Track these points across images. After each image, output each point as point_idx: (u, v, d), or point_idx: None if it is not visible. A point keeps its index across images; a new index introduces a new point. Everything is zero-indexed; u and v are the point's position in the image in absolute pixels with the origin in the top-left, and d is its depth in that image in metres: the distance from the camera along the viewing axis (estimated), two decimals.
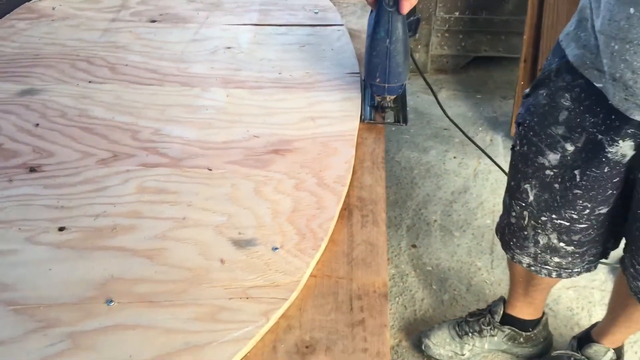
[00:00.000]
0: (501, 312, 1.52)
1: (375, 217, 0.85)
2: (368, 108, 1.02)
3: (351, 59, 1.13)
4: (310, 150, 0.93)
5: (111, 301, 0.72)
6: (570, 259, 1.20)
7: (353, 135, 0.96)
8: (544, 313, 1.54)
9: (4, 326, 0.69)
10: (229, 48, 1.17)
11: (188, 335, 0.68)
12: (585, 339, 1.47)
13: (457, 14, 2.50)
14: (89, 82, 1.08)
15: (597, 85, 0.96)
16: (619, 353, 1.46)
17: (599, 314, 1.69)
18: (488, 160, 2.07)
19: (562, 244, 1.17)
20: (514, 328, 1.51)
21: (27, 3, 1.33)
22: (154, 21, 1.25)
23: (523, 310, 1.50)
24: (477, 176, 2.17)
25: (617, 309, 1.37)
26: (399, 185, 2.12)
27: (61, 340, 0.68)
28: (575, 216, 1.11)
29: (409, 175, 2.17)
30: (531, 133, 1.10)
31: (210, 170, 0.90)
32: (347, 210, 0.86)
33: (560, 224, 1.14)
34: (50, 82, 1.08)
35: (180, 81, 1.08)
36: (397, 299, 1.75)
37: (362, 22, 1.25)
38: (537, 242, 1.20)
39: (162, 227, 0.81)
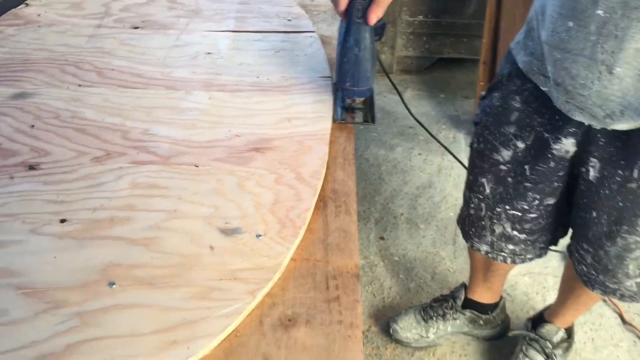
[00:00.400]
0: (463, 297, 1.64)
1: (348, 207, 0.95)
2: (339, 109, 1.12)
3: (323, 63, 1.23)
4: (288, 148, 1.02)
5: (113, 284, 0.80)
6: (523, 246, 1.32)
7: (326, 135, 1.05)
8: (501, 297, 1.67)
9: (16, 308, 0.77)
10: (209, 53, 1.25)
11: (183, 312, 0.77)
12: (539, 320, 1.60)
13: (421, 17, 2.62)
14: (79, 85, 1.15)
15: (543, 89, 1.08)
16: (569, 332, 1.59)
17: (552, 298, 1.82)
18: (451, 156, 2.19)
19: (515, 233, 1.29)
20: (474, 311, 1.63)
21: (13, 10, 1.39)
22: (136, 27, 1.33)
23: (483, 295, 1.63)
24: (441, 172, 2.29)
25: (566, 292, 1.50)
26: (367, 181, 2.23)
27: (69, 319, 0.76)
28: (526, 207, 1.23)
29: (377, 171, 2.28)
30: (487, 132, 1.22)
31: (197, 166, 0.98)
32: (322, 202, 0.95)
33: (514, 214, 1.25)
34: (41, 85, 1.15)
35: (165, 85, 1.16)
36: (367, 287, 1.86)
37: (332, 29, 1.35)
38: (493, 231, 1.31)
39: (155, 219, 0.89)
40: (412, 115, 2.01)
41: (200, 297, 0.79)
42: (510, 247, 1.33)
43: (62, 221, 0.89)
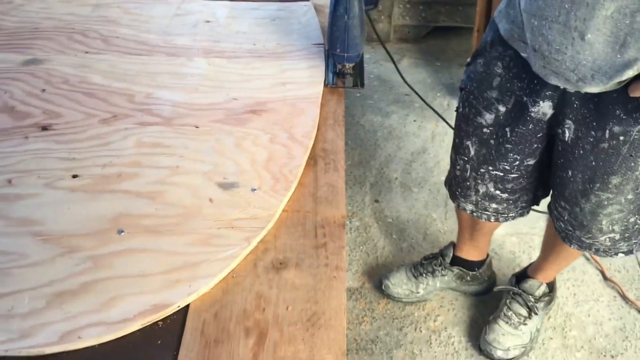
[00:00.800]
0: (451, 254, 1.73)
1: (336, 164, 1.03)
2: (331, 74, 1.19)
3: (316, 31, 1.29)
4: (282, 111, 1.09)
5: (122, 231, 0.89)
6: (505, 204, 1.40)
7: (318, 98, 1.13)
8: (487, 255, 1.76)
9: (36, 252, 0.86)
10: (208, 22, 1.32)
11: (186, 256, 0.86)
12: (522, 275, 1.69)
13: None
14: (86, 52, 1.22)
15: (523, 55, 1.15)
16: (550, 287, 1.69)
17: (536, 255, 1.91)
18: (445, 123, 2.27)
19: (498, 192, 1.37)
20: (461, 268, 1.73)
21: None
22: None
23: (470, 253, 1.71)
24: (435, 138, 2.36)
25: (547, 249, 1.59)
26: (363, 146, 2.31)
27: (84, 262, 0.85)
28: (507, 167, 1.31)
29: (373, 137, 2.35)
30: (471, 97, 1.29)
31: (198, 127, 1.06)
32: (312, 160, 1.03)
33: (496, 174, 1.33)
34: (50, 52, 1.22)
35: (167, 52, 1.24)
36: (361, 247, 1.95)
37: None
38: (477, 191, 1.39)
39: (160, 174, 0.98)
40: (407, 83, 2.09)
41: (200, 243, 0.88)
42: (494, 206, 1.41)
43: (74, 176, 0.97)
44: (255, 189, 0.96)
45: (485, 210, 1.43)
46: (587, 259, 1.92)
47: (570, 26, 0.99)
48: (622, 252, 1.31)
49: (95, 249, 0.87)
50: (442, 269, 1.74)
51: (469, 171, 1.38)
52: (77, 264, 0.85)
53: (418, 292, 1.75)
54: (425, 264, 1.76)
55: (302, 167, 1.00)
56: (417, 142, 2.34)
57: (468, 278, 1.74)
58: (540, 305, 1.67)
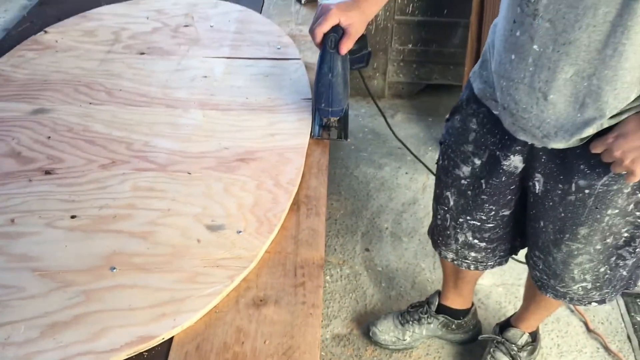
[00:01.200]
0: (436, 302, 1.78)
1: (318, 210, 1.10)
2: (316, 127, 1.28)
3: (306, 87, 1.39)
4: (270, 159, 1.17)
5: (114, 268, 0.96)
6: (484, 253, 1.46)
7: (304, 148, 1.21)
8: (472, 304, 1.81)
9: (32, 286, 0.92)
10: (205, 77, 1.42)
11: (173, 292, 0.92)
12: (506, 324, 1.74)
13: (410, 46, 2.79)
14: (90, 103, 1.32)
15: (495, 112, 1.23)
16: (533, 336, 1.72)
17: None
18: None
19: (476, 241, 1.43)
20: (447, 316, 1.77)
21: (33, 36, 1.56)
22: (142, 53, 1.50)
23: (454, 301, 1.76)
24: (426, 190, 2.44)
25: (528, 299, 1.64)
26: (356, 197, 2.38)
27: (77, 295, 0.91)
28: (484, 217, 1.37)
29: (365, 188, 2.43)
30: (449, 150, 1.37)
31: (190, 173, 1.14)
32: (296, 205, 1.11)
33: (474, 224, 1.40)
34: (57, 103, 1.31)
35: (165, 104, 1.33)
36: (351, 294, 2.00)
37: (316, 56, 1.50)
38: (457, 240, 1.46)
39: (152, 216, 1.05)
40: (397, 138, 2.16)
41: (187, 280, 0.94)
42: (473, 254, 1.47)
43: (73, 217, 1.05)
44: (240, 231, 1.02)
45: (465, 259, 1.49)
46: (571, 310, 1.96)
47: (534, 87, 1.08)
48: (595, 301, 1.36)
49: (88, 284, 0.93)
50: (428, 317, 1.78)
51: (448, 220, 1.45)
52: (70, 298, 0.91)
53: (405, 340, 1.79)
54: (411, 312, 1.81)
55: (285, 211, 1.07)
56: (408, 193, 2.41)
57: (453, 326, 1.78)
58: (523, 354, 1.71)
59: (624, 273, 1.29)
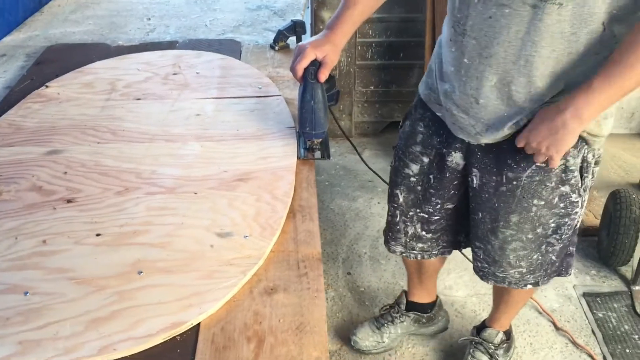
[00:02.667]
0: (405, 301, 1.95)
1: (311, 216, 1.27)
2: (302, 149, 1.45)
3: (288, 118, 1.57)
4: (264, 178, 1.34)
5: (141, 272, 1.10)
6: (429, 244, 1.66)
7: (293, 167, 1.38)
8: (437, 296, 1.98)
9: (72, 291, 1.05)
10: (198, 115, 1.59)
11: (195, 287, 1.07)
12: (481, 326, 1.90)
13: (372, 87, 3.03)
14: (98, 142, 1.47)
15: (438, 114, 1.44)
16: (507, 334, 1.89)
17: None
18: None
19: (423, 232, 1.63)
20: (417, 312, 1.94)
21: (36, 90, 1.72)
22: (139, 99, 1.66)
23: (421, 296, 1.93)
24: None
25: (497, 298, 1.82)
26: (334, 227, 2.55)
27: (111, 295, 1.05)
28: (431, 210, 1.57)
29: (342, 219, 2.60)
30: (400, 152, 1.57)
31: (196, 193, 1.29)
32: (292, 213, 1.27)
33: (422, 216, 1.59)
34: (68, 144, 1.46)
35: (165, 139, 1.49)
36: (338, 314, 2.14)
37: (293, 92, 1.70)
38: (407, 233, 1.66)
39: (167, 229, 1.20)
40: (371, 169, 2.37)
41: (206, 277, 1.09)
42: (420, 245, 1.67)
43: (98, 235, 1.19)
44: (247, 236, 1.18)
45: (412, 250, 1.69)
46: (540, 312, 2.14)
47: (467, 94, 1.29)
48: (530, 284, 1.55)
49: (119, 286, 1.07)
50: (400, 316, 1.95)
51: (399, 216, 1.64)
52: (105, 298, 1.04)
53: (384, 342, 1.94)
54: (385, 315, 1.97)
55: (283, 218, 1.23)
56: (382, 221, 2.58)
57: (424, 320, 1.95)
58: (500, 352, 1.87)
59: (554, 258, 1.49)
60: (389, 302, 2.04)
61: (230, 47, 2.05)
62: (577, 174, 1.34)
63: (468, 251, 2.10)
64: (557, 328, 2.07)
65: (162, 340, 0.98)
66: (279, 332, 1.00)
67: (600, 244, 2.35)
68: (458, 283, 2.25)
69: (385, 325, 1.95)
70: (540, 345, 2.01)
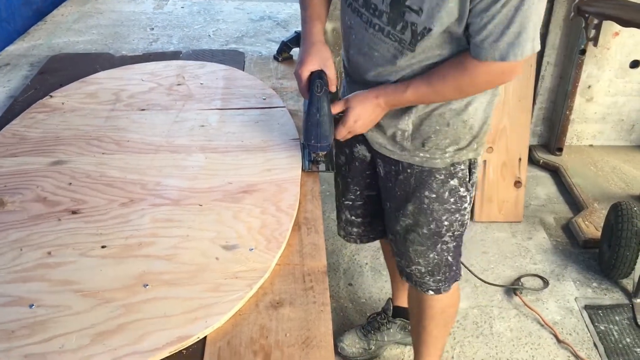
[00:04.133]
0: (391, 307, 1.97)
1: (316, 228, 1.27)
2: (306, 162, 1.45)
3: (292, 129, 1.57)
4: (269, 190, 1.34)
5: (147, 285, 1.09)
6: (363, 227, 1.74)
7: (298, 179, 1.38)
8: None
9: (77, 304, 1.05)
10: (202, 126, 1.59)
11: (201, 300, 1.06)
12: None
13: None
14: (102, 153, 1.47)
15: None
16: None
17: (497, 325, 2.12)
18: None
19: (353, 217, 1.72)
20: (403, 319, 1.95)
21: (40, 100, 1.72)
22: (143, 110, 1.67)
23: (405, 300, 1.94)
24: None
25: (414, 336, 1.81)
26: (335, 237, 2.54)
27: (118, 309, 1.04)
28: (352, 197, 1.68)
29: None
30: (336, 144, 1.61)
31: (201, 205, 1.29)
32: (297, 226, 1.27)
33: (347, 204, 1.70)
34: (72, 155, 1.46)
35: (170, 150, 1.49)
36: (339, 326, 2.13)
37: (298, 104, 1.71)
38: (342, 218, 1.75)
39: (173, 242, 1.20)
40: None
41: (212, 290, 1.08)
42: (355, 229, 1.75)
43: (103, 247, 1.18)
44: (252, 249, 1.18)
45: (350, 235, 1.77)
46: (541, 325, 2.14)
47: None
48: (432, 290, 1.58)
49: (125, 299, 1.07)
50: (386, 323, 1.97)
51: (337, 202, 1.75)
52: (112, 311, 1.04)
53: (370, 348, 1.96)
54: (371, 322, 1.99)
55: (289, 231, 1.23)
56: None
57: (409, 328, 1.95)
58: None
59: (450, 259, 1.54)
60: (375, 311, 2.06)
61: (233, 58, 2.06)
62: (464, 167, 1.44)
63: (466, 260, 2.11)
64: (559, 341, 2.07)
65: (169, 354, 0.98)
66: (285, 346, 1.00)
67: (601, 257, 2.36)
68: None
69: (372, 332, 1.97)
70: (542, 358, 2.01)
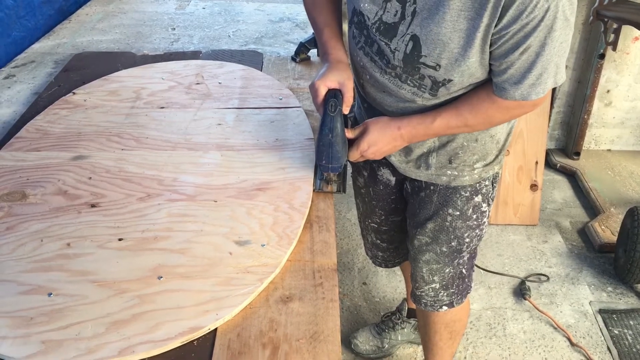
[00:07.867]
0: (406, 307, 1.98)
1: (328, 227, 1.29)
2: (318, 181, 1.41)
3: (307, 129, 1.60)
4: (283, 188, 1.37)
5: (161, 277, 1.13)
6: (389, 252, 1.73)
7: (311, 178, 1.40)
8: None
9: (94, 294, 1.09)
10: (219, 124, 1.62)
11: (213, 293, 1.09)
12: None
13: None
14: (122, 149, 1.51)
15: None
16: None
17: (510, 327, 2.12)
18: None
19: (378, 241, 1.71)
20: (417, 319, 1.96)
21: (63, 97, 1.77)
22: (162, 107, 1.71)
23: None
24: None
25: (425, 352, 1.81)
26: (350, 237, 2.57)
27: (132, 299, 1.08)
28: (378, 220, 1.64)
29: (358, 229, 2.61)
30: (353, 165, 1.62)
31: (216, 201, 1.33)
32: (309, 224, 1.29)
33: (373, 226, 1.68)
34: (93, 150, 1.51)
35: (187, 147, 1.52)
36: (353, 324, 2.15)
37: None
38: (367, 240, 1.74)
39: (187, 236, 1.23)
40: None
41: (223, 284, 1.11)
42: (380, 253, 1.75)
43: (120, 239, 1.22)
44: (264, 245, 1.21)
45: (375, 257, 1.78)
46: (555, 328, 2.13)
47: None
48: (445, 305, 1.57)
49: (140, 290, 1.10)
50: (401, 322, 1.98)
51: (361, 223, 1.75)
52: (127, 301, 1.08)
53: (384, 347, 1.97)
54: (385, 321, 2.00)
55: (300, 228, 1.26)
56: None
57: None
58: None
59: (464, 271, 1.53)
60: (390, 310, 2.07)
61: (252, 58, 2.09)
62: (488, 182, 1.42)
63: (481, 262, 2.12)
64: (572, 344, 2.07)
65: (180, 344, 1.01)
66: (294, 340, 1.02)
67: (617, 261, 2.35)
68: (473, 296, 2.25)
69: (386, 331, 1.99)
70: None
